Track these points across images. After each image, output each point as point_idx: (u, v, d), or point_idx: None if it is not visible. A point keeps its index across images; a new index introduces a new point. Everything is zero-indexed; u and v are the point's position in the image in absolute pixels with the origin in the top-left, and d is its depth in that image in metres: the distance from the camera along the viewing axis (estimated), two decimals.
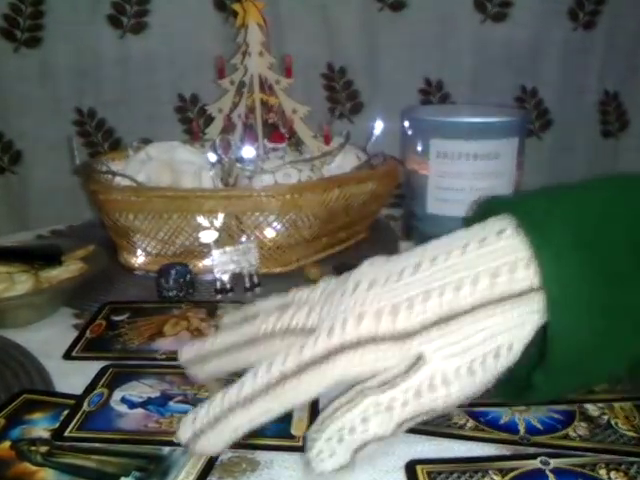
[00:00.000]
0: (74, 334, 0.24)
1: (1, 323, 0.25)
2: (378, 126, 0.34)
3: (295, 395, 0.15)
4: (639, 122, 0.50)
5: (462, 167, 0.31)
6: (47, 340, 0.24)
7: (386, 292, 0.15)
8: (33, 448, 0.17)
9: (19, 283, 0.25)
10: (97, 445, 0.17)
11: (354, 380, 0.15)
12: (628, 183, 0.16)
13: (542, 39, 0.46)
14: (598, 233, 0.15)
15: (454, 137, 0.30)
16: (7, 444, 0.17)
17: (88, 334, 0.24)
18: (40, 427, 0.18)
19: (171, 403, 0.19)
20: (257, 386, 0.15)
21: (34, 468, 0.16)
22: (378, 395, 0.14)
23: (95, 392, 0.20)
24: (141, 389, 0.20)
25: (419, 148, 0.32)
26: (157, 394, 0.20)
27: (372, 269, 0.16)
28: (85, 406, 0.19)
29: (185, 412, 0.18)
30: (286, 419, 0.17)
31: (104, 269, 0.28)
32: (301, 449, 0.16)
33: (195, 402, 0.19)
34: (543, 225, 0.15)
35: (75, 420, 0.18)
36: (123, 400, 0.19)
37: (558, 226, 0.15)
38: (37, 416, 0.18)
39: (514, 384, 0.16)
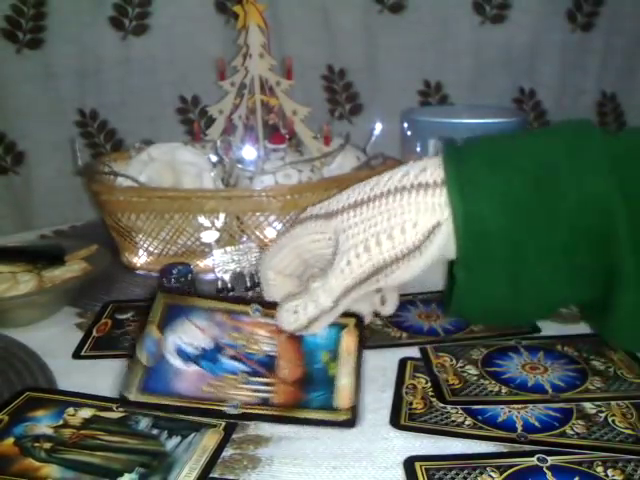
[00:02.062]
0: (77, 333, 0.25)
1: (5, 322, 0.25)
2: (378, 127, 0.34)
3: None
4: (637, 123, 0.50)
5: None
6: (50, 339, 0.24)
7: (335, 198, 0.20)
8: (37, 444, 0.17)
9: (22, 283, 0.25)
10: (106, 439, 0.17)
11: (309, 243, 0.20)
12: (550, 129, 0.20)
13: (540, 41, 0.46)
14: (510, 143, 0.18)
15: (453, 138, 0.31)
16: (11, 440, 0.17)
17: (95, 333, 0.24)
18: (43, 424, 0.18)
19: (223, 359, 0.20)
20: None
21: (38, 464, 0.16)
22: (318, 282, 0.20)
23: (148, 334, 0.20)
24: (193, 333, 0.20)
25: (418, 149, 0.33)
26: (209, 343, 0.20)
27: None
28: (143, 359, 0.19)
29: (234, 372, 0.20)
30: (329, 389, 0.19)
31: (106, 269, 0.28)
32: (344, 424, 0.18)
33: (244, 358, 0.20)
34: (457, 148, 0.18)
35: (138, 379, 0.19)
36: (178, 352, 0.20)
37: (469, 148, 0.18)
38: (40, 413, 0.19)
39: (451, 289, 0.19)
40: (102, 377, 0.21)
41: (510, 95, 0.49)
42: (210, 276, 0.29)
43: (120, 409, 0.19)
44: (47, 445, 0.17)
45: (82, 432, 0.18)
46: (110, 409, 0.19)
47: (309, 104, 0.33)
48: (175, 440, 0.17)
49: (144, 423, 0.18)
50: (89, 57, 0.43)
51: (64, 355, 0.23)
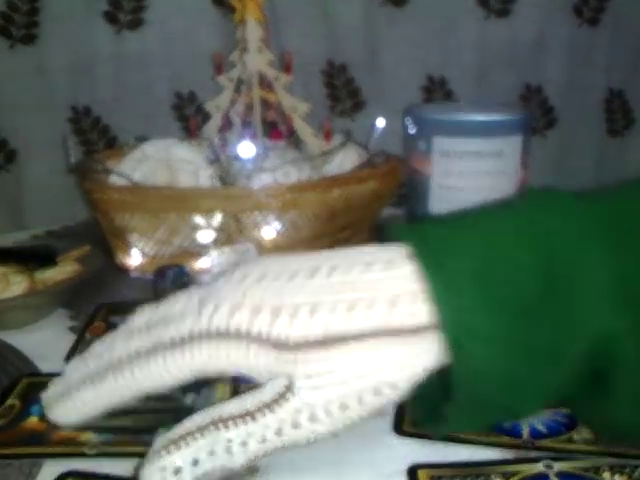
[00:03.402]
0: (70, 336, 0.24)
1: None
2: (380, 124, 0.33)
3: (145, 379, 0.13)
4: None
5: (465, 165, 0.30)
6: (42, 342, 0.24)
7: (272, 289, 0.13)
8: None
9: (14, 284, 0.25)
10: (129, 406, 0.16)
11: (218, 373, 0.13)
12: (546, 203, 0.14)
13: (546, 36, 0.46)
14: (505, 263, 0.13)
15: (457, 135, 0.30)
16: (35, 419, 0.17)
17: (87, 336, 0.24)
18: None
19: None
20: (106, 361, 0.13)
21: (75, 433, 0.16)
22: (231, 431, 0.12)
23: None
24: None
25: (421, 146, 0.32)
26: None
27: (264, 263, 0.14)
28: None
29: None
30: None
31: (100, 270, 0.28)
32: None
33: None
34: (440, 256, 0.13)
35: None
36: None
37: (458, 258, 0.13)
38: None
39: (429, 413, 0.15)
40: None
41: (516, 91, 0.48)
42: (207, 278, 0.29)
43: None
44: None
45: None
46: None
47: (309, 100, 0.32)
48: (191, 396, 0.18)
49: None
50: (82, 52, 0.42)
51: (56, 359, 0.22)
